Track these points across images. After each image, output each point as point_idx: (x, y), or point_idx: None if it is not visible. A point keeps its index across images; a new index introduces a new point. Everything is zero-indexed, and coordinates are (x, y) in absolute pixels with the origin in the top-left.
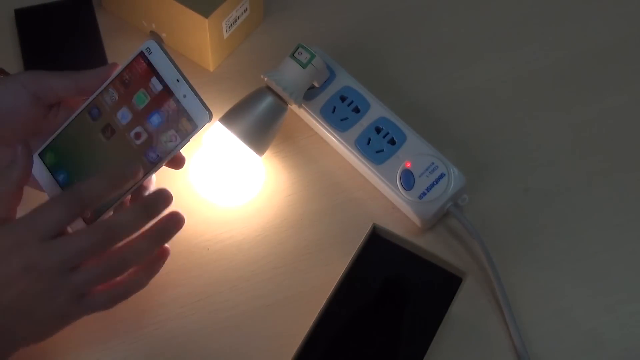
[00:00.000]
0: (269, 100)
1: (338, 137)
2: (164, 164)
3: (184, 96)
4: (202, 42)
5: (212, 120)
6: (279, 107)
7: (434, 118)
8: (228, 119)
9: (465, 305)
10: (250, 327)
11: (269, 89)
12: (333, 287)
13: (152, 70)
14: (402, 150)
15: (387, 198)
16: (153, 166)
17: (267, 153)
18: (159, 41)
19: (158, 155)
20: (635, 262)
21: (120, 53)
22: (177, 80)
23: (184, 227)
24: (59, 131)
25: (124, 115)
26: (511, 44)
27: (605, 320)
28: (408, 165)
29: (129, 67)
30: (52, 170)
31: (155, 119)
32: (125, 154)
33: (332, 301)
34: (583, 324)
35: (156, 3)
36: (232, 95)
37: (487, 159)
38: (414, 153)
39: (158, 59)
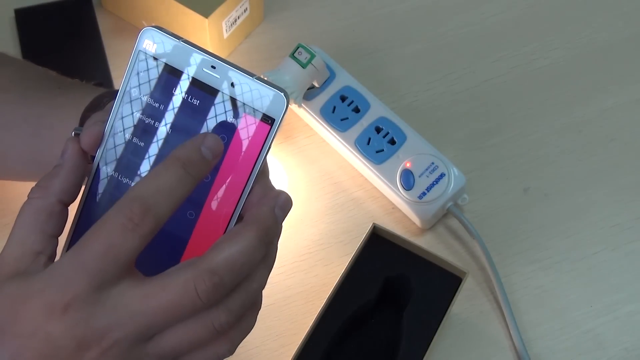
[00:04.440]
0: None
1: (338, 137)
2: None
3: (233, 85)
4: (202, 42)
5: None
6: None
7: (434, 118)
8: None
9: (465, 305)
10: None
11: None
12: (333, 287)
13: (169, 71)
14: (402, 150)
15: (387, 198)
16: (227, 220)
17: None
18: (158, 27)
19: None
20: (634, 262)
21: (120, 53)
22: (213, 67)
23: None
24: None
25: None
26: (511, 44)
27: (605, 320)
28: (408, 165)
29: (132, 87)
30: None
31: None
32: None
33: (333, 301)
34: (583, 324)
35: (156, 3)
36: None
37: (487, 159)
38: (414, 153)
39: (171, 50)
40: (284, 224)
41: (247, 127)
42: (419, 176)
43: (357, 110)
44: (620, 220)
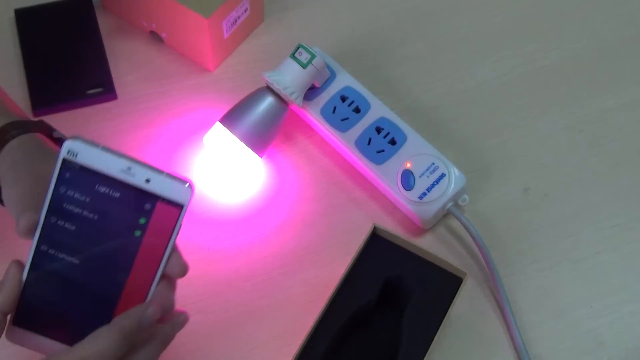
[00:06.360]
0: (269, 100)
1: (338, 137)
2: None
3: (147, 181)
4: (202, 42)
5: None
6: (280, 108)
7: (434, 118)
8: (228, 120)
9: (465, 305)
10: (250, 327)
11: (269, 89)
12: (334, 287)
13: (92, 174)
14: (403, 150)
15: (388, 198)
16: (149, 283)
17: (268, 153)
18: (80, 136)
19: (154, 265)
20: (635, 262)
21: (120, 53)
22: (129, 169)
23: (183, 228)
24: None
25: (90, 241)
26: (511, 44)
27: (605, 320)
28: (408, 165)
29: (59, 186)
30: (40, 330)
31: (126, 229)
32: (108, 280)
33: (333, 301)
34: (583, 324)
35: (156, 3)
36: (232, 95)
37: (487, 159)
38: (414, 153)
39: (91, 157)
40: (286, 225)
41: (160, 213)
42: (420, 176)
43: (357, 110)
44: (620, 220)
